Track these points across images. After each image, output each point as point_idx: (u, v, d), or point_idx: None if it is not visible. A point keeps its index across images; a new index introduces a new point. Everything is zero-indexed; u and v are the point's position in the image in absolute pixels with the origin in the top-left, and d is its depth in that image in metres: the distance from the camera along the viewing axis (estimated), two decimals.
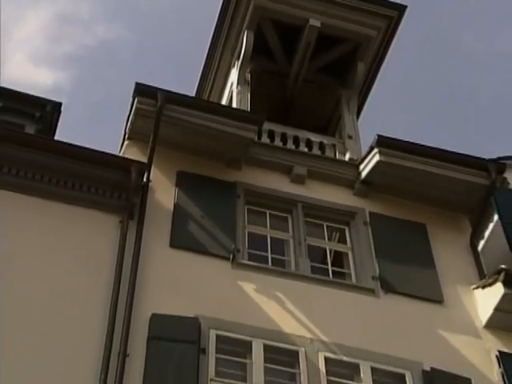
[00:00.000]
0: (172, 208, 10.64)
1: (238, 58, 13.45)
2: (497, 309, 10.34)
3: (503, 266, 10.43)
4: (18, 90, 12.34)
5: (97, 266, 9.61)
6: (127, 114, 11.37)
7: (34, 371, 8.40)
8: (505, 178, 11.83)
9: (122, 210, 10.24)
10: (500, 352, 10.10)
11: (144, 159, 10.71)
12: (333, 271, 10.95)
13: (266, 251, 10.89)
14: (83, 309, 9.14)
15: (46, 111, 12.15)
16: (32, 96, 12.36)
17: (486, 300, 10.57)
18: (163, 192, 10.81)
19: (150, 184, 10.68)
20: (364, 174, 11.78)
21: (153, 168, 10.74)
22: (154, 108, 10.89)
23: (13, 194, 10.07)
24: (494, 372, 9.95)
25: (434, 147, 11.75)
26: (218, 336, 9.28)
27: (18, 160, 10.24)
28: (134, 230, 10.05)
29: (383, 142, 11.58)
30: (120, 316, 9.03)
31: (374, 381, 9.43)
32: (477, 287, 10.84)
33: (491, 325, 10.41)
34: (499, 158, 11.96)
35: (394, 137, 11.78)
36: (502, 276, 10.30)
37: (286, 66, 13.55)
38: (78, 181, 10.36)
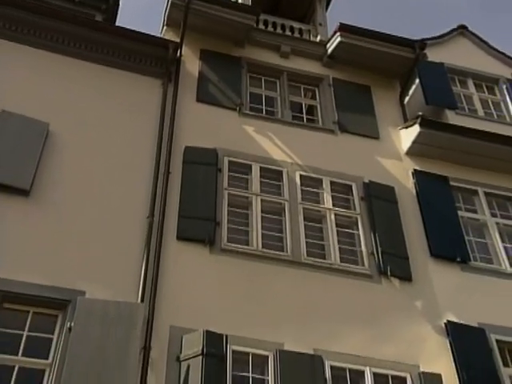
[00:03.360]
0: (197, 75, 10.61)
1: None
2: (414, 142, 10.52)
3: (420, 113, 10.59)
4: None
5: (146, 114, 9.61)
6: (164, 8, 11.16)
7: (104, 182, 8.63)
8: (425, 54, 11.81)
9: (163, 75, 10.18)
10: (415, 170, 10.39)
11: (177, 40, 10.63)
12: (306, 118, 11.06)
13: (262, 105, 10.91)
14: (137, 143, 9.24)
15: (109, 4, 11.79)
16: None
17: (407, 136, 10.73)
18: (191, 63, 10.75)
19: (182, 58, 10.61)
20: (329, 50, 11.70)
21: (183, 46, 10.68)
22: (183, 2, 10.78)
23: (80, 62, 9.96)
24: (410, 183, 10.26)
25: (378, 31, 11.63)
26: (229, 161, 9.52)
27: (89, 39, 10.09)
28: (172, 89, 10.04)
29: (343, 28, 11.52)
30: (164, 147, 9.21)
31: (332, 189, 9.73)
32: (402, 128, 10.98)
33: (409, 152, 10.61)
34: (422, 39, 11.87)
35: (352, 24, 11.59)
36: (419, 120, 10.46)
37: None
38: (131, 54, 10.23)
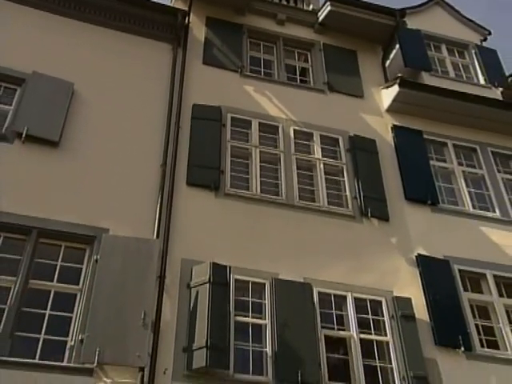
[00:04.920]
0: (203, 40, 10.47)
1: None
2: (394, 100, 10.48)
3: (399, 75, 10.56)
4: None
5: (158, 75, 9.50)
6: None
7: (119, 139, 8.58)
8: (405, 21, 11.69)
9: (173, 41, 10.08)
10: (394, 125, 10.33)
11: (186, 8, 10.51)
12: (300, 79, 10.91)
13: (260, 67, 10.73)
14: (151, 101, 9.12)
15: None
16: None
17: (388, 95, 10.67)
18: (198, 30, 10.60)
19: (190, 25, 10.49)
20: (320, 18, 11.50)
21: (191, 14, 10.57)
22: None
23: (99, 28, 9.76)
24: (389, 136, 10.23)
25: (364, 1, 11.33)
26: (232, 117, 9.49)
27: (108, 8, 9.86)
28: (181, 53, 9.96)
29: None
30: (174, 105, 9.15)
31: (321, 142, 9.65)
32: (383, 88, 10.90)
33: (389, 109, 10.57)
34: (402, 8, 11.73)
35: None
36: (398, 80, 10.44)
37: None
38: (145, 21, 10.09)
